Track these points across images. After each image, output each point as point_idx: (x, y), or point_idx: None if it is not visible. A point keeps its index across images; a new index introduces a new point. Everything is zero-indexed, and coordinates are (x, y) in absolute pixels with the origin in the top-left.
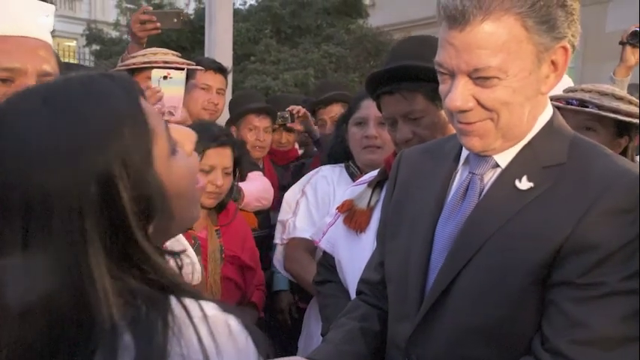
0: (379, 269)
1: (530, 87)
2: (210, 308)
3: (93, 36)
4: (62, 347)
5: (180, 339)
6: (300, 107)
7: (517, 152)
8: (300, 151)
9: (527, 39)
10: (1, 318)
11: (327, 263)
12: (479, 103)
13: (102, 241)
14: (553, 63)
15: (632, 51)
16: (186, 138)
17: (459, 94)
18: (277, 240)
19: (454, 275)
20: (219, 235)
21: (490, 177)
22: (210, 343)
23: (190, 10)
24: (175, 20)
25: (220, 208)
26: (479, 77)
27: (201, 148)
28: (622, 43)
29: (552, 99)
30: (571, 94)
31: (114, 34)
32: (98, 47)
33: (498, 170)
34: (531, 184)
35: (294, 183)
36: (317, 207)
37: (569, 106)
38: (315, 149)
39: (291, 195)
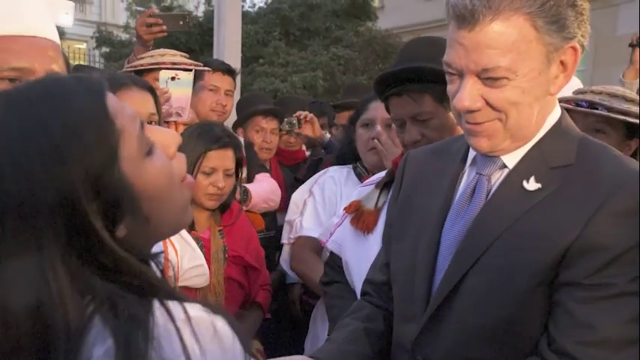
0: (384, 270)
1: (540, 87)
2: (195, 310)
3: (103, 38)
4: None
5: (161, 342)
6: (307, 112)
7: (525, 153)
8: (308, 153)
9: (537, 39)
10: None
11: (334, 264)
12: (487, 103)
13: (62, 245)
14: (562, 63)
15: None
16: (171, 141)
17: (468, 93)
18: (284, 240)
19: (461, 276)
20: (222, 236)
21: (497, 178)
22: (193, 344)
23: (200, 12)
24: (181, 23)
25: (224, 208)
26: (488, 77)
27: (202, 149)
28: (632, 46)
29: (562, 101)
30: (581, 96)
31: (124, 36)
32: (108, 50)
33: (506, 171)
34: (539, 185)
35: (309, 176)
36: (324, 207)
37: (579, 108)
38: (323, 150)
39: (298, 195)
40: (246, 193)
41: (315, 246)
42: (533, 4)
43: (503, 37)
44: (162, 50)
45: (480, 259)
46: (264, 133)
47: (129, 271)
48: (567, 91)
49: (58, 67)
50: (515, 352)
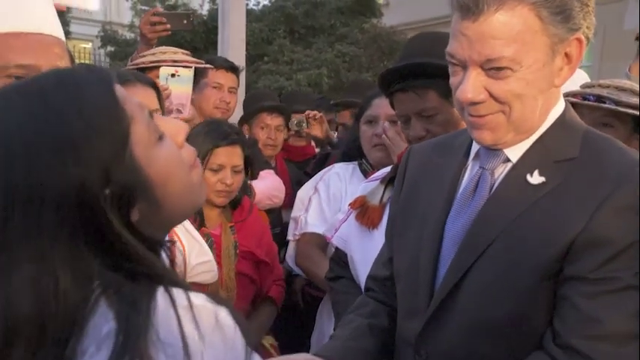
0: (388, 265)
1: (544, 79)
2: (199, 299)
3: (108, 37)
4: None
5: (160, 325)
6: (315, 112)
7: (528, 146)
8: (317, 150)
9: (542, 30)
10: None
11: (340, 259)
12: (491, 95)
13: (71, 229)
14: (567, 55)
15: None
16: (179, 130)
17: (471, 85)
18: (290, 236)
19: (464, 271)
20: (233, 232)
21: (501, 172)
22: (193, 331)
23: (204, 10)
24: (185, 22)
25: (235, 205)
26: (491, 68)
27: (210, 146)
28: (639, 40)
29: (569, 94)
30: (588, 90)
31: (129, 35)
32: (113, 49)
33: (509, 165)
34: (543, 179)
35: (317, 171)
36: (329, 203)
37: (586, 102)
38: (329, 147)
39: (304, 192)
40: (250, 189)
41: (320, 242)
42: None
43: (508, 27)
44: (163, 48)
45: (484, 254)
46: (269, 130)
47: (136, 259)
48: (574, 85)
49: (63, 65)
50: (519, 346)
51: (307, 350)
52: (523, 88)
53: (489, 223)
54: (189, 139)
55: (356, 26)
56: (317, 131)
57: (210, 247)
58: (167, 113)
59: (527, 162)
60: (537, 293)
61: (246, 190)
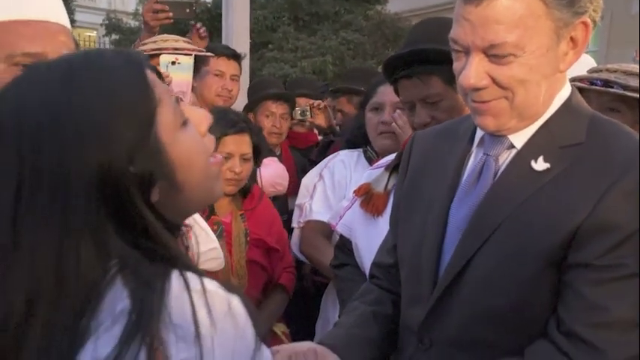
0: (392, 252)
1: (548, 64)
2: (213, 285)
3: (112, 26)
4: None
5: (173, 307)
6: (319, 101)
7: (533, 132)
8: (320, 137)
9: (546, 14)
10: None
11: (344, 247)
12: (494, 81)
13: (94, 206)
14: (572, 39)
15: None
16: (203, 119)
17: (473, 70)
18: (294, 224)
19: (468, 257)
20: (244, 220)
21: (505, 158)
22: (205, 316)
23: None
24: (188, 11)
25: (245, 193)
26: (494, 54)
27: (218, 134)
28: None
29: (575, 79)
30: (595, 75)
31: (133, 23)
32: (117, 37)
33: (514, 151)
34: (548, 165)
35: (321, 158)
36: (334, 191)
37: (593, 87)
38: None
39: (308, 179)
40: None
41: (324, 230)
42: None
43: (511, 11)
44: (164, 36)
45: (488, 241)
46: (274, 118)
47: (154, 238)
48: (582, 70)
49: (69, 52)
50: (523, 334)
51: (312, 337)
52: (526, 73)
53: (493, 209)
54: None
55: (360, 13)
56: (320, 120)
57: (221, 234)
58: None
59: (531, 148)
60: (541, 280)
61: (255, 178)
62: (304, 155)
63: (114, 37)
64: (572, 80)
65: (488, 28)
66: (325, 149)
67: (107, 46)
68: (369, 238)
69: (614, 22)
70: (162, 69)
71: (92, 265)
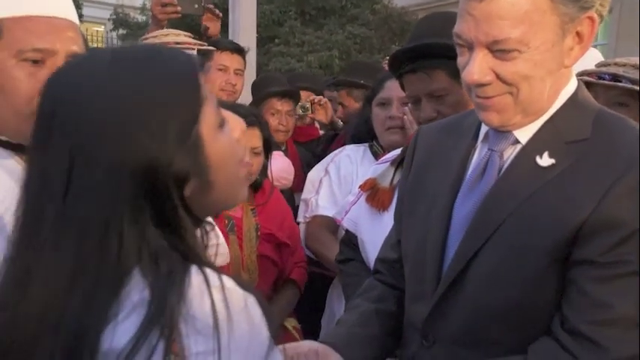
0: (396, 248)
1: (553, 60)
2: (230, 282)
3: (120, 20)
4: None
5: (192, 301)
6: (320, 97)
7: (538, 128)
8: (321, 132)
9: (551, 9)
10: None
11: (350, 242)
12: (498, 76)
13: (140, 196)
14: (578, 34)
15: None
16: (237, 125)
17: (477, 66)
18: (300, 218)
19: (472, 254)
20: (255, 214)
21: (510, 154)
22: (223, 311)
23: None
24: (196, 6)
25: (256, 188)
26: (498, 50)
27: None
28: None
29: (583, 73)
30: (604, 69)
31: (140, 18)
32: (125, 32)
33: (519, 147)
34: (553, 161)
35: (326, 151)
36: (339, 186)
37: (601, 81)
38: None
39: (314, 174)
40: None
41: (330, 225)
42: None
43: (516, 7)
44: (166, 30)
45: (492, 237)
46: (280, 116)
47: (183, 232)
48: (590, 64)
49: (78, 48)
50: (527, 331)
51: (319, 331)
52: (531, 69)
53: (498, 205)
54: None
55: (367, 7)
56: (321, 116)
57: (232, 229)
58: None
59: (537, 143)
60: (545, 277)
61: (266, 172)
62: (306, 149)
63: (121, 31)
64: (580, 74)
65: (492, 23)
66: (329, 143)
67: (115, 41)
68: (375, 233)
69: (623, 15)
70: None
71: (132, 252)
